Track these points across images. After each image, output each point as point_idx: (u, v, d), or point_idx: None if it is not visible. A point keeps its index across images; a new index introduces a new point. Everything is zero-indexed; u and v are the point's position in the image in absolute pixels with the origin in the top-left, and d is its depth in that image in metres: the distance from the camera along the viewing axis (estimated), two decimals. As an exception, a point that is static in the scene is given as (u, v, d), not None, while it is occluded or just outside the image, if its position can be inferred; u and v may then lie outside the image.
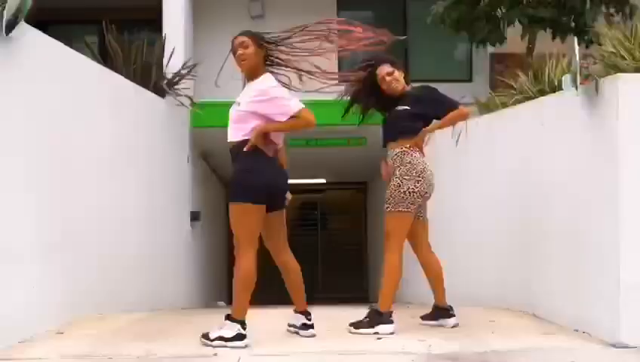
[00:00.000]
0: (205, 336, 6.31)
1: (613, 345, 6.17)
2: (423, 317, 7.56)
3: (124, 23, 14.30)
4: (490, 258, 9.30)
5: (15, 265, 6.60)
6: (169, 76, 12.88)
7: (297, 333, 6.77)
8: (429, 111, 7.31)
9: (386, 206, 7.10)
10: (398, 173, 7.12)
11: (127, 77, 11.20)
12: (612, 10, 11.72)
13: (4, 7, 6.21)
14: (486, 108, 10.48)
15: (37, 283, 7.01)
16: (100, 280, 8.58)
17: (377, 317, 6.93)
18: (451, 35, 12.65)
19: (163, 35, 13.55)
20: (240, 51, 6.55)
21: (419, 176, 7.08)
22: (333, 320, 7.60)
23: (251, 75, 6.60)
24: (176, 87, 12.88)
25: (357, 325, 6.94)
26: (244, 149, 6.27)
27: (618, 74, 6.39)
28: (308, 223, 24.29)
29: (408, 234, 7.25)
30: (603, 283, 6.42)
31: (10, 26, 6.32)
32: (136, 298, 9.74)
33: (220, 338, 6.23)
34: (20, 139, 6.81)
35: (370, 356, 6.14)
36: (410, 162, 7.12)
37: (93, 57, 11.99)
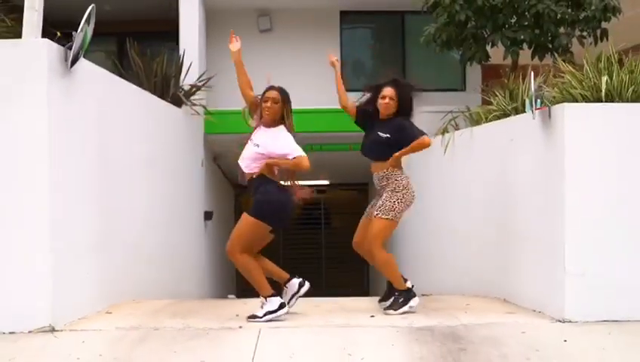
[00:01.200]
0: (253, 317, 7.93)
1: (560, 321, 7.83)
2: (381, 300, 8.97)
3: (141, 35, 15.39)
4: (471, 253, 10.73)
5: (74, 257, 8.09)
6: (186, 88, 14.04)
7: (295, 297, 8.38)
8: (406, 139, 8.55)
9: (377, 212, 8.50)
10: (388, 189, 8.55)
11: (149, 89, 12.41)
12: (584, 33, 12.89)
13: (71, 45, 7.75)
14: (472, 120, 11.80)
15: (90, 272, 8.47)
16: (132, 272, 9.92)
17: (406, 294, 8.53)
18: (444, 52, 13.84)
19: (181, 50, 14.68)
20: (269, 104, 8.07)
21: (404, 189, 8.55)
22: (335, 303, 9.24)
23: (271, 123, 8.13)
24: (192, 97, 14.07)
25: (394, 307, 8.48)
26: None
27: (564, 103, 8.05)
28: (312, 222, 25.20)
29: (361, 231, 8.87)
30: (553, 272, 8.04)
31: (74, 61, 7.87)
32: (159, 289, 10.94)
33: (268, 312, 7.91)
34: (79, 150, 8.29)
35: (365, 328, 7.70)
36: (395, 180, 8.56)
37: (117, 71, 13.16)
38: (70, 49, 7.78)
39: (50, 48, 7.66)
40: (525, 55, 13.14)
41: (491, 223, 9.96)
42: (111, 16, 16.24)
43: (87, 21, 7.84)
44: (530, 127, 8.57)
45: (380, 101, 8.77)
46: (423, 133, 8.59)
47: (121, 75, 11.68)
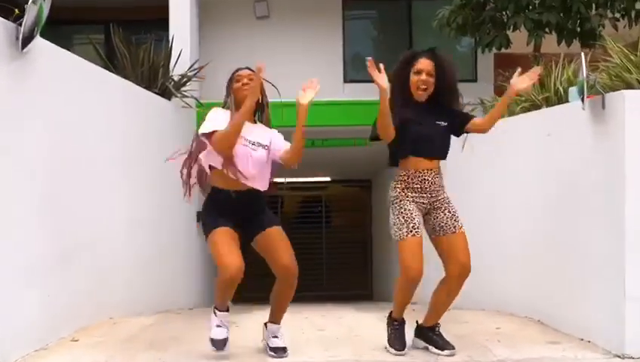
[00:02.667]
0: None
1: (618, 356, 6.29)
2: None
3: (130, 23, 14.58)
4: (496, 265, 9.33)
5: (29, 276, 6.70)
6: (176, 78, 12.95)
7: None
8: (460, 121, 6.62)
9: (459, 225, 6.48)
10: (444, 196, 6.56)
11: (134, 79, 11.34)
12: (617, 15, 11.79)
13: (21, 22, 6.28)
14: None
15: (51, 292, 7.11)
16: (111, 282, 8.75)
17: None
18: (457, 38, 12.68)
19: (170, 37, 13.60)
20: (246, 82, 6.34)
21: None
22: (340, 321, 8.10)
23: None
24: (182, 88, 12.98)
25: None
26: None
27: (623, 90, 6.51)
28: (312, 220, 24.25)
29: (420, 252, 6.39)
30: (608, 294, 6.53)
31: (26, 42, 6.40)
32: (147, 298, 9.93)
33: None
34: (35, 147, 6.93)
35: None
36: (443, 184, 6.62)
37: (101, 59, 12.14)
38: (21, 25, 6.31)
39: None
40: (548, 42, 12.00)
41: (523, 231, 8.58)
42: (98, 3, 15.66)
43: (43, -8, 6.37)
44: (574, 120, 7.11)
45: (413, 78, 6.43)
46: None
47: (106, 66, 10.91)
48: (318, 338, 7.34)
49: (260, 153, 6.28)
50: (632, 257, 6.29)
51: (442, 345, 6.53)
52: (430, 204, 6.47)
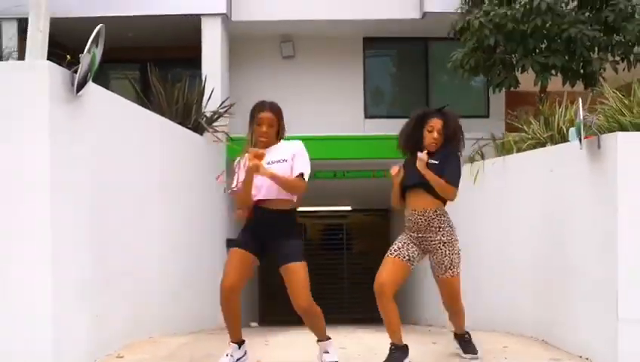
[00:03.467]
0: None
1: (612, 372, 6.72)
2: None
3: (164, 62, 14.94)
4: (505, 289, 9.77)
5: (80, 298, 7.12)
6: (208, 114, 13.46)
7: None
8: (441, 168, 7.03)
9: (451, 272, 7.09)
10: (446, 236, 7.04)
11: (169, 115, 11.81)
12: (617, 59, 12.15)
13: (76, 70, 6.77)
14: (502, 148, 10.90)
15: (100, 312, 7.52)
16: (149, 304, 9.12)
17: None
18: (470, 79, 13.08)
19: (203, 77, 14.11)
20: (265, 129, 6.57)
21: (456, 237, 7.16)
22: (359, 342, 8.28)
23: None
24: (214, 124, 13.45)
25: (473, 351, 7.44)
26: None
27: (617, 132, 6.99)
28: (334, 246, 24.62)
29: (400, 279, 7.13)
30: (604, 316, 6.97)
31: (80, 86, 6.88)
32: (181, 320, 10.29)
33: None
34: (86, 182, 7.35)
35: None
36: (450, 222, 7.14)
37: (138, 97, 12.63)
38: (76, 73, 6.79)
39: (54, 71, 6.69)
40: (554, 82, 12.39)
41: (530, 258, 9.01)
42: (133, 43, 16.03)
43: (96, 42, 6.88)
44: (574, 157, 7.58)
45: (427, 134, 7.09)
46: (454, 182, 7.03)
47: (142, 102, 11.38)
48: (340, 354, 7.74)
49: (280, 167, 6.47)
50: (623, 282, 6.74)
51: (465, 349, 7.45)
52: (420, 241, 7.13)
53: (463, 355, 7.40)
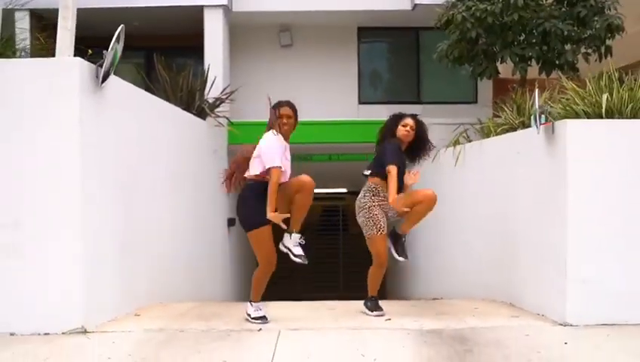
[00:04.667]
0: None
1: (561, 324, 7.99)
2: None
3: (168, 50, 15.81)
4: (480, 261, 10.85)
5: (104, 264, 8.30)
6: (210, 100, 14.33)
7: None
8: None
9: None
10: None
11: (175, 102, 12.65)
12: (590, 50, 13.09)
13: (102, 63, 7.93)
14: (483, 132, 11.91)
15: (119, 278, 8.67)
16: (159, 277, 10.08)
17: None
18: (455, 68, 14.01)
19: (206, 65, 14.95)
20: (285, 120, 8.24)
21: None
22: (349, 306, 9.39)
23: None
24: (216, 109, 14.33)
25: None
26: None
27: (567, 119, 8.19)
28: (331, 227, 25.51)
29: None
30: (556, 278, 8.18)
31: (104, 78, 8.05)
32: (185, 292, 11.14)
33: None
34: (110, 163, 8.49)
35: (377, 331, 7.88)
36: None
37: (144, 84, 13.55)
38: (101, 67, 7.97)
39: (82, 66, 7.85)
40: (533, 70, 13.31)
41: (498, 233, 10.07)
42: (139, 31, 16.12)
43: (117, 40, 8.04)
44: (535, 141, 8.68)
45: (400, 128, 8.92)
46: (389, 162, 8.71)
47: (148, 88, 12.21)
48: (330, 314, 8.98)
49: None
50: (572, 247, 7.99)
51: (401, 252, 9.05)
52: None
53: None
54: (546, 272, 8.48)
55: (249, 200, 8.10)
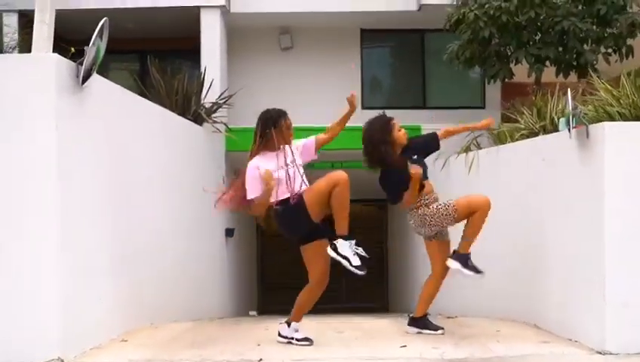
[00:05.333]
0: None
1: (599, 352, 6.99)
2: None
3: (164, 53, 15.22)
4: (499, 276, 9.64)
5: (86, 283, 7.39)
6: (207, 105, 13.60)
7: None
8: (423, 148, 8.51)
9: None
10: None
11: (169, 106, 11.96)
12: (610, 50, 12.36)
13: (82, 62, 7.03)
14: (497, 138, 11.06)
15: (104, 298, 7.78)
16: (151, 293, 9.30)
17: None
18: (465, 70, 13.25)
19: (202, 68, 14.23)
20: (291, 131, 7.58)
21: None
22: (358, 327, 8.54)
23: None
24: (213, 115, 13.62)
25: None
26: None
27: (604, 122, 7.23)
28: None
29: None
30: (592, 299, 7.21)
31: (85, 78, 7.14)
32: (180, 307, 10.43)
33: None
34: (94, 170, 7.66)
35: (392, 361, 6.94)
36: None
37: (138, 88, 12.85)
38: (81, 65, 7.07)
39: (60, 64, 6.97)
40: (547, 73, 12.62)
41: (522, 245, 9.21)
42: (133, 35, 16.08)
43: (100, 35, 7.16)
44: (564, 147, 7.79)
45: (398, 133, 8.22)
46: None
47: (142, 93, 11.68)
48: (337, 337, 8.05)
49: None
50: (610, 267, 6.99)
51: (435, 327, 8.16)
52: None
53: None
54: (579, 292, 7.55)
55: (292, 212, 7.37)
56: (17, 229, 6.84)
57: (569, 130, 7.42)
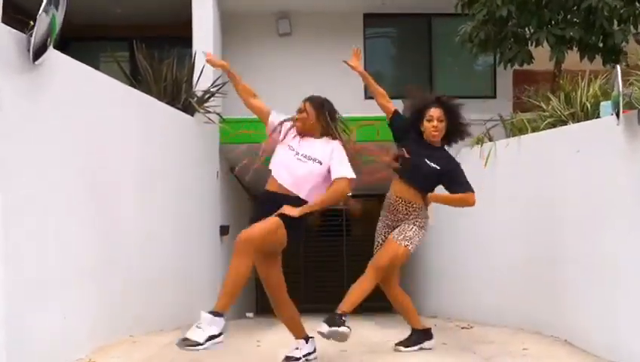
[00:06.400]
0: None
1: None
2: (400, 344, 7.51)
3: (154, 40, 14.22)
4: (517, 280, 8.95)
5: (43, 292, 6.22)
6: (199, 94, 12.64)
7: None
8: (450, 185, 7.26)
9: (404, 241, 7.09)
10: (417, 222, 7.19)
11: (157, 94, 11.01)
12: None
13: (32, 32, 5.79)
14: (515, 129, 10.08)
15: (69, 312, 6.65)
16: (132, 300, 8.32)
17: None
18: (479, 54, 12.19)
19: (193, 52, 13.24)
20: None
21: (427, 227, 7.28)
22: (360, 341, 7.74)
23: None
24: (205, 104, 12.65)
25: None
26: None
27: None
28: (333, 231, 24.00)
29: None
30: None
31: (39, 53, 5.91)
32: (166, 314, 9.50)
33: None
34: (51, 162, 6.48)
35: None
36: (426, 217, 7.26)
37: (124, 75, 11.85)
38: (32, 36, 5.79)
39: (5, 35, 5.71)
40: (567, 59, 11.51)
41: (551, 248, 8.06)
42: (122, 20, 15.47)
43: (55, 3, 5.84)
44: (606, 135, 6.62)
45: (426, 124, 7.25)
46: (471, 188, 7.18)
47: (129, 81, 10.86)
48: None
49: (313, 167, 6.47)
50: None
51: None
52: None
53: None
54: (627, 306, 6.31)
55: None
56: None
57: (617, 114, 6.15)
